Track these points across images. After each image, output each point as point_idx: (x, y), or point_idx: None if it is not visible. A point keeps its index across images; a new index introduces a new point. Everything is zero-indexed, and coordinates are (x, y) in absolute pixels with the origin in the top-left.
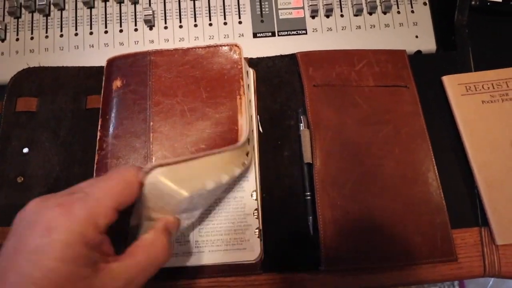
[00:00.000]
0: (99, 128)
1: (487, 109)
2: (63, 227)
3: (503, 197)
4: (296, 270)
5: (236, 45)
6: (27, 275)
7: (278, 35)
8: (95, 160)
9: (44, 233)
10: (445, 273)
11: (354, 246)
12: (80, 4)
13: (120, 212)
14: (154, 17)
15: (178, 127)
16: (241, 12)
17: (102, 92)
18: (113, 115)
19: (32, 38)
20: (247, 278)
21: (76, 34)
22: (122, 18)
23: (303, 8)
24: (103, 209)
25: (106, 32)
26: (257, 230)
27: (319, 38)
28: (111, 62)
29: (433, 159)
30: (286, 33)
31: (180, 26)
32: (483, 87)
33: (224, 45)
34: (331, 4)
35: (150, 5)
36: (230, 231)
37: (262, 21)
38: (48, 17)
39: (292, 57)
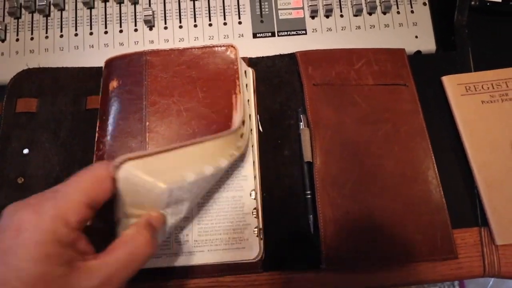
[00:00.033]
0: (97, 129)
1: (487, 109)
2: (32, 226)
3: (503, 197)
4: (297, 269)
5: (232, 46)
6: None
7: (278, 35)
8: (93, 161)
9: (15, 234)
10: (445, 273)
11: (354, 244)
12: (80, 5)
13: (101, 210)
14: (154, 17)
15: (174, 127)
16: (241, 13)
17: (100, 93)
18: (109, 115)
19: (32, 39)
20: (247, 278)
21: (76, 35)
22: (122, 18)
23: (302, 8)
24: (72, 205)
25: (106, 32)
26: (256, 229)
27: (318, 38)
28: (109, 62)
29: (433, 158)
30: (286, 33)
31: (180, 27)
32: (482, 87)
33: (220, 46)
34: (330, 4)
35: (150, 5)
36: (229, 230)
37: (262, 21)
38: (48, 18)
39: (291, 56)
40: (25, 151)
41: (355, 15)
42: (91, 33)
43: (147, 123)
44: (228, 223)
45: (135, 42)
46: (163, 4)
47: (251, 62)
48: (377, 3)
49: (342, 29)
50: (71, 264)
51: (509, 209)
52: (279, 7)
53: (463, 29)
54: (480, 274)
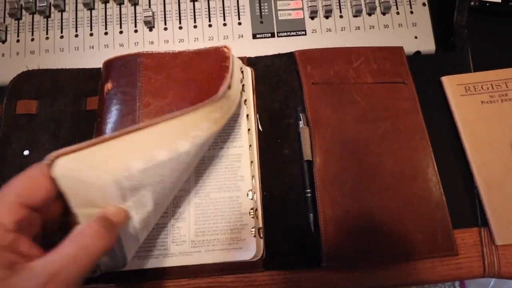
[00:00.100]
0: (94, 129)
1: (487, 109)
2: None
3: (502, 198)
4: (297, 268)
5: (225, 46)
6: None
7: (278, 36)
8: None
9: None
10: (445, 273)
11: (355, 243)
12: (80, 6)
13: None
14: (154, 18)
15: None
16: (240, 13)
17: (98, 94)
18: (104, 116)
19: (32, 40)
20: (247, 278)
21: (76, 36)
22: (122, 19)
23: (302, 9)
24: (4, 206)
25: (106, 33)
26: (253, 230)
27: (318, 39)
28: (106, 64)
29: (432, 156)
30: (285, 34)
31: (180, 27)
32: (482, 88)
33: (214, 48)
34: (330, 5)
35: (150, 6)
36: (226, 231)
37: (261, 22)
38: (49, 19)
39: (290, 55)
40: (26, 152)
41: (355, 16)
42: (91, 34)
43: None
44: (225, 224)
45: (135, 43)
46: (163, 5)
47: (250, 61)
48: (377, 3)
49: (341, 30)
50: (11, 267)
51: (509, 209)
52: (278, 7)
53: (463, 30)
54: (480, 275)
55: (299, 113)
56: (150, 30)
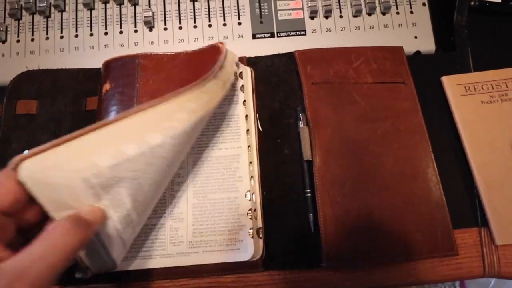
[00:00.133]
0: None
1: (487, 109)
2: None
3: (502, 198)
4: (297, 268)
5: (220, 43)
6: None
7: (278, 36)
8: None
9: None
10: (445, 273)
11: (355, 242)
12: (80, 6)
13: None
14: (153, 18)
15: None
16: (240, 13)
17: (98, 94)
18: (103, 117)
19: (32, 40)
20: (247, 278)
21: (76, 36)
22: (122, 19)
23: (302, 9)
24: None
25: (106, 33)
26: (251, 231)
27: (318, 39)
28: (105, 65)
29: (432, 156)
30: (285, 34)
31: (180, 28)
32: (482, 88)
33: (209, 45)
34: (330, 5)
35: (149, 6)
36: (224, 231)
37: (261, 22)
38: (49, 19)
39: (290, 55)
40: (26, 152)
41: (355, 16)
42: (91, 34)
43: None
44: (223, 225)
45: (135, 43)
46: (163, 5)
47: (250, 61)
48: (377, 3)
49: (341, 30)
50: None
51: (509, 209)
52: (278, 7)
53: (463, 30)
54: (480, 275)
55: (299, 113)
56: (150, 30)
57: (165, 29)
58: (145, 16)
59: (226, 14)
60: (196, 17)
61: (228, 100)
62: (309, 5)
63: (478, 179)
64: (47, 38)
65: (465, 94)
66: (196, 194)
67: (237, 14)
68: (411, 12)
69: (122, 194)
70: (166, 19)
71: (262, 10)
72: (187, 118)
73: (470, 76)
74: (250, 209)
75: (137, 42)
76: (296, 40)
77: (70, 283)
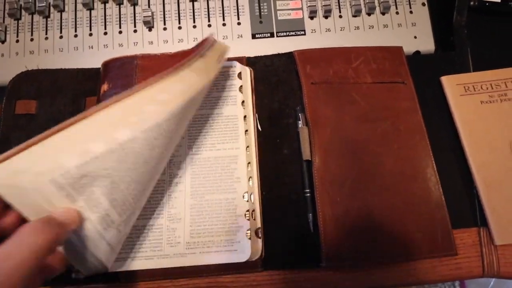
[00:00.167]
0: None
1: (486, 109)
2: None
3: (502, 197)
4: (296, 268)
5: (211, 35)
6: None
7: (277, 36)
8: None
9: None
10: (445, 273)
11: (354, 242)
12: (79, 6)
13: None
14: (153, 18)
15: None
16: (240, 13)
17: (96, 95)
18: None
19: (32, 40)
20: (246, 278)
21: (75, 36)
22: (122, 19)
23: (301, 9)
24: None
25: (105, 33)
26: (248, 232)
27: (317, 39)
28: (104, 65)
29: (432, 155)
30: (284, 34)
31: (179, 27)
32: (481, 88)
33: (203, 40)
34: (329, 5)
35: (149, 6)
36: (221, 232)
37: (261, 22)
38: (48, 19)
39: (289, 55)
40: None
41: (354, 16)
42: (90, 34)
43: None
44: (221, 226)
45: (134, 43)
46: (162, 5)
47: (249, 61)
48: (376, 3)
49: (341, 30)
50: None
51: (508, 209)
52: (278, 7)
53: (462, 29)
54: (479, 274)
55: (298, 113)
56: (150, 30)
57: (165, 29)
58: (144, 16)
59: (225, 14)
60: (196, 17)
61: (226, 100)
62: (308, 5)
63: (478, 179)
64: (46, 38)
65: (465, 94)
66: (193, 194)
67: (236, 14)
68: (411, 12)
69: (96, 193)
70: (166, 19)
71: (262, 10)
72: (159, 110)
73: (470, 76)
74: (248, 210)
75: (137, 42)
76: (296, 40)
77: (70, 283)
